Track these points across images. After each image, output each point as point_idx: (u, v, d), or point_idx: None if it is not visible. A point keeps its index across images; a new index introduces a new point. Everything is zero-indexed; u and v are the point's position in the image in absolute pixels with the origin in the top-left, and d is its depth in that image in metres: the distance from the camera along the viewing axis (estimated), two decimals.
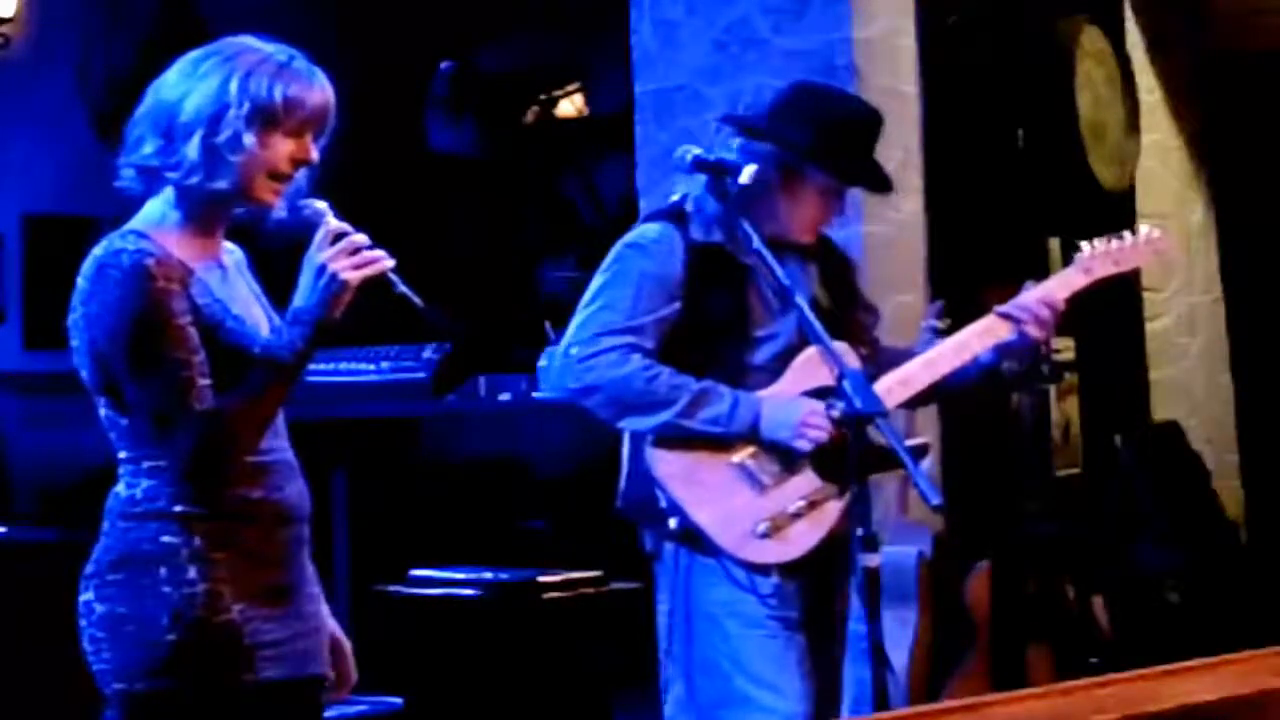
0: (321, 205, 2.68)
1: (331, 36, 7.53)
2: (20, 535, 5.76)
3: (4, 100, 7.54)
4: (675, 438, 3.34)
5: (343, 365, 5.82)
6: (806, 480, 3.34)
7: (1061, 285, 3.58)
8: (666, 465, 3.36)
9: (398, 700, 4.84)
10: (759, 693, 3.33)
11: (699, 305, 3.39)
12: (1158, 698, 2.13)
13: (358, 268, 2.60)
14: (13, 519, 6.28)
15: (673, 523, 3.35)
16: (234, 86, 2.61)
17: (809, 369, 3.36)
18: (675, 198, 3.49)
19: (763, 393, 3.37)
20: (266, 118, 2.62)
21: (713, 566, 3.35)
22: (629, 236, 3.48)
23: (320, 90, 2.68)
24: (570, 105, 8.03)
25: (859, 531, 2.94)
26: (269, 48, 2.67)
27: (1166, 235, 3.81)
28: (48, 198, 7.70)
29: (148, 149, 2.63)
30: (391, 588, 4.94)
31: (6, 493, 7.06)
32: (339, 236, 2.62)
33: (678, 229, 3.43)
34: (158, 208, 2.68)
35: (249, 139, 2.60)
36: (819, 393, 3.34)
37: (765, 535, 3.31)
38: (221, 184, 2.62)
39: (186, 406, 2.57)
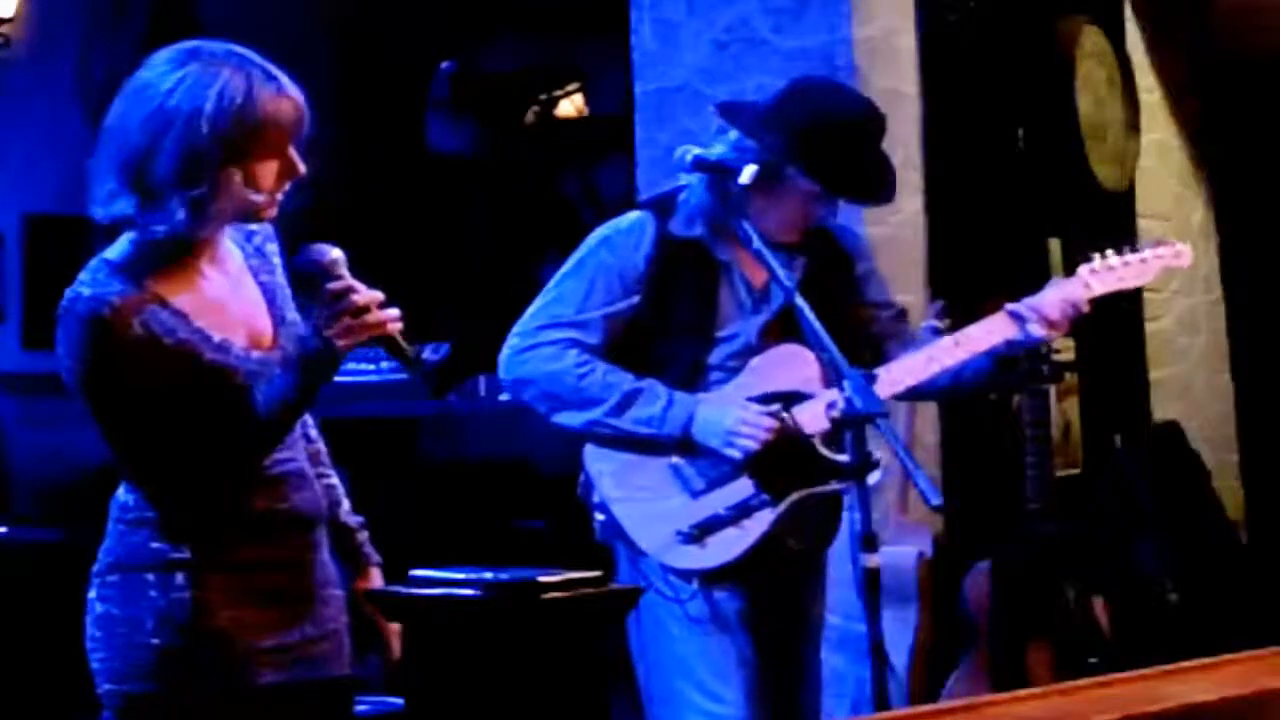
0: (335, 254, 2.56)
1: (331, 37, 7.54)
2: (20, 535, 5.77)
3: (4, 100, 7.54)
4: (610, 435, 3.31)
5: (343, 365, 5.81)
6: (741, 487, 3.29)
7: (1062, 292, 3.48)
8: (600, 462, 3.34)
9: (398, 700, 4.84)
10: (697, 696, 3.31)
11: (663, 300, 3.34)
12: (1158, 698, 2.13)
13: (351, 332, 2.54)
14: (13, 519, 6.28)
15: (599, 517, 3.35)
16: (205, 128, 2.47)
17: (766, 372, 3.32)
18: (673, 184, 3.43)
19: (707, 395, 3.31)
20: (245, 151, 2.51)
21: (649, 565, 3.33)
22: (603, 226, 3.44)
23: (289, 97, 2.56)
24: (570, 105, 8.03)
25: (859, 531, 2.92)
26: (228, 69, 2.52)
27: (1180, 254, 3.68)
28: (48, 198, 7.68)
29: (123, 204, 2.51)
30: (391, 588, 4.93)
31: (6, 493, 7.06)
32: (339, 296, 2.53)
33: (656, 219, 3.37)
34: (139, 243, 2.59)
35: (235, 178, 2.51)
36: (773, 398, 3.29)
37: (688, 540, 3.27)
38: (212, 227, 2.55)
39: (145, 460, 2.56)
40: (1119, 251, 3.58)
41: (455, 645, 4.84)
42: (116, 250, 2.61)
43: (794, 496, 3.29)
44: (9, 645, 5.16)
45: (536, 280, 7.69)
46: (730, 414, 3.26)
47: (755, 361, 3.35)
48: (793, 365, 3.28)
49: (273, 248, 2.78)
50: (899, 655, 4.69)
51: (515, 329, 3.39)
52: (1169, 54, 6.55)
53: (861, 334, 3.45)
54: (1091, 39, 5.81)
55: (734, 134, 3.37)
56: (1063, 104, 5.60)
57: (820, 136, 3.30)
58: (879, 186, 3.44)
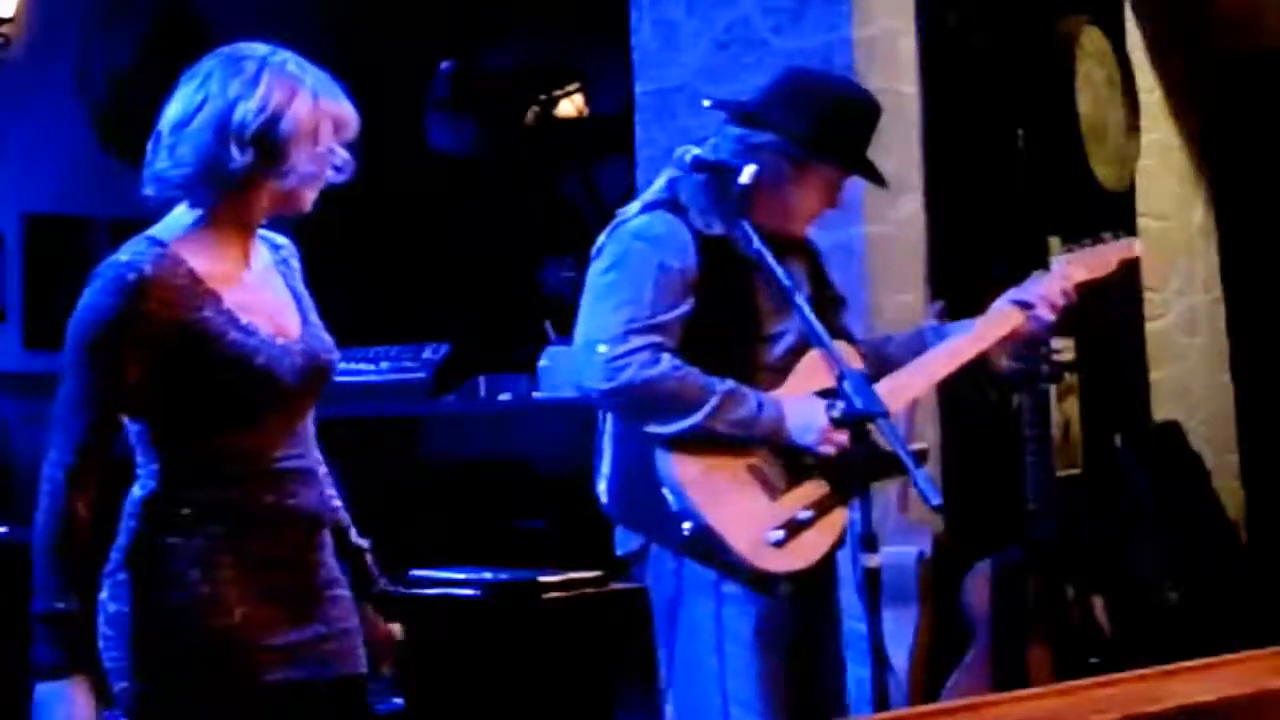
0: None
1: (331, 36, 7.54)
2: (20, 535, 5.75)
3: (4, 100, 7.54)
4: (691, 440, 3.23)
5: (343, 365, 5.80)
6: (816, 486, 3.27)
7: (1042, 287, 3.57)
8: (683, 468, 3.24)
9: (398, 700, 4.84)
10: (737, 710, 3.26)
11: (714, 301, 3.30)
12: (1158, 698, 2.13)
13: None
14: (13, 519, 6.27)
15: (686, 527, 3.22)
16: (322, 101, 2.67)
17: (816, 369, 3.27)
18: (660, 184, 3.39)
19: (775, 393, 3.30)
20: (341, 125, 2.72)
21: (705, 577, 3.27)
22: (632, 227, 3.35)
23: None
24: (570, 105, 8.03)
25: (859, 531, 2.91)
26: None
27: (1131, 245, 3.80)
28: (48, 198, 7.69)
29: (239, 158, 2.62)
30: (391, 588, 4.93)
31: (6, 493, 7.05)
32: None
33: (682, 220, 3.32)
34: (192, 213, 2.68)
35: (339, 146, 2.71)
36: (825, 394, 3.24)
37: (779, 543, 3.22)
38: (316, 188, 2.70)
39: (67, 427, 2.60)
40: (1079, 244, 3.69)
41: (455, 645, 4.84)
42: (160, 228, 2.69)
43: (861, 490, 3.26)
44: (9, 645, 5.15)
45: (536, 281, 7.72)
46: (821, 412, 3.24)
47: (806, 359, 3.32)
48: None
49: (296, 264, 2.88)
50: (899, 655, 4.68)
51: (590, 335, 3.28)
52: (1169, 54, 6.55)
53: (842, 330, 3.46)
54: (1091, 39, 5.81)
55: (734, 130, 3.36)
56: (1063, 104, 5.60)
57: (841, 121, 3.34)
58: (879, 172, 3.49)
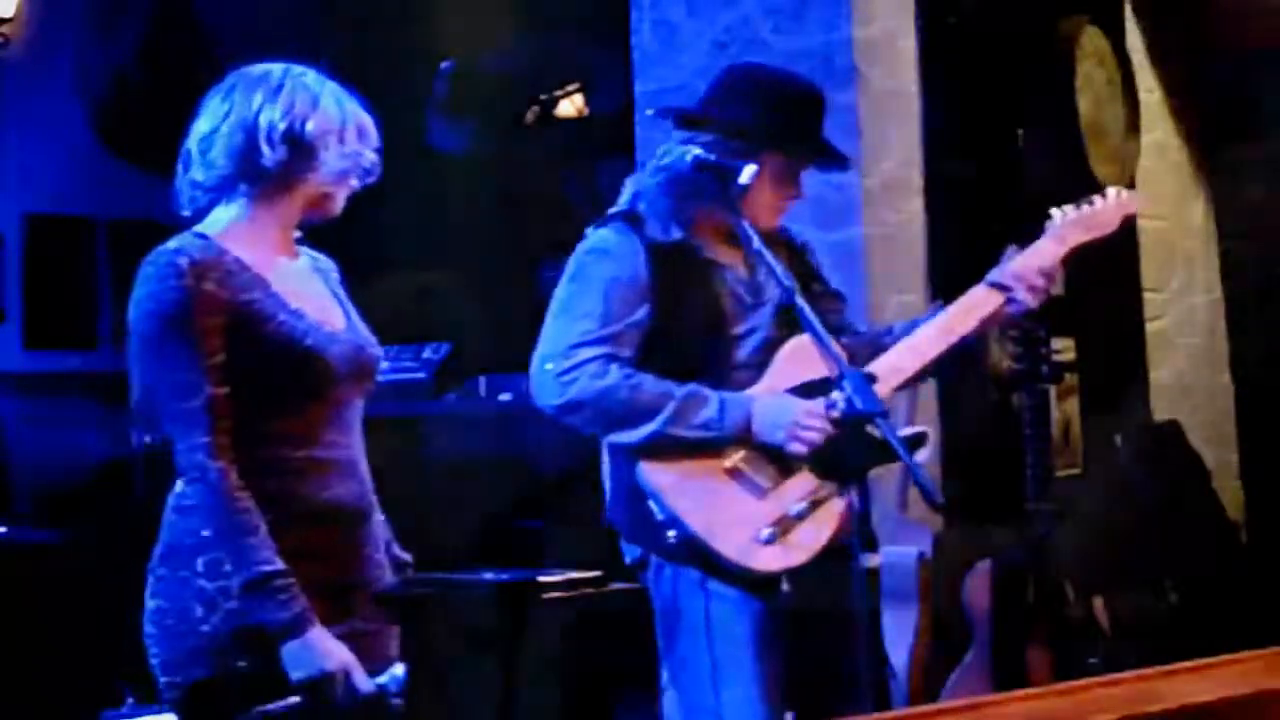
0: None
1: (330, 36, 7.54)
2: (20, 535, 5.76)
3: (4, 100, 7.54)
4: (665, 447, 3.22)
5: None
6: (805, 480, 3.24)
7: (1037, 256, 3.48)
8: (659, 476, 3.23)
9: (397, 701, 4.84)
10: (731, 711, 3.25)
11: (671, 307, 3.30)
12: (1158, 698, 2.13)
13: None
14: (13, 519, 6.27)
15: (671, 534, 3.21)
16: (348, 107, 2.80)
17: (794, 363, 3.27)
18: (625, 196, 3.41)
19: (750, 391, 3.28)
20: (364, 132, 2.83)
21: (692, 577, 3.25)
22: (585, 244, 3.38)
23: None
24: (570, 105, 8.02)
25: (858, 531, 2.91)
26: None
27: (1133, 199, 3.71)
28: (48, 198, 7.69)
29: (272, 155, 2.71)
30: (392, 587, 4.93)
31: (6, 493, 7.06)
32: None
33: (634, 231, 3.33)
34: (230, 210, 2.75)
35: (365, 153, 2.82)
36: (808, 387, 3.25)
37: (770, 541, 3.18)
38: (346, 189, 2.80)
39: (179, 412, 2.61)
40: (1076, 206, 3.58)
41: (456, 645, 4.84)
42: (206, 223, 2.75)
43: (857, 485, 3.24)
44: (9, 645, 5.16)
45: (536, 281, 7.72)
46: (789, 409, 3.22)
47: (783, 352, 3.31)
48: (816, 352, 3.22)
49: (335, 275, 2.95)
50: (899, 655, 4.69)
51: (543, 353, 3.30)
52: (1169, 54, 6.55)
53: (832, 324, 3.44)
54: (1091, 39, 5.81)
55: (681, 133, 3.35)
56: (1063, 104, 5.60)
57: (784, 108, 3.35)
58: (839, 154, 3.46)
